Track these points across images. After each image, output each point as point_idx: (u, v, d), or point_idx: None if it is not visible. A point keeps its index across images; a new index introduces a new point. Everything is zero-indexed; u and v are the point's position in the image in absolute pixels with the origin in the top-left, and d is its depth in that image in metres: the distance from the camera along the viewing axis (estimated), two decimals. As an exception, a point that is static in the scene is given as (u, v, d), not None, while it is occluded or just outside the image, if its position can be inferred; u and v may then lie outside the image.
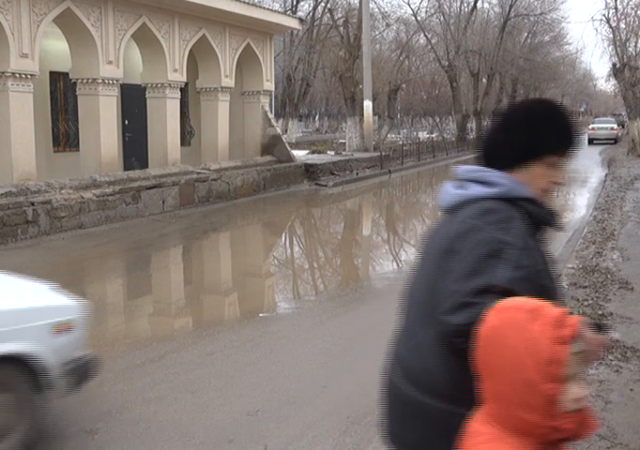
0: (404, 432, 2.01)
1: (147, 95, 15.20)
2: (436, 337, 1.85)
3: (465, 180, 2.04)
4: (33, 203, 10.65)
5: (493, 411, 1.54)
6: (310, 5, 33.47)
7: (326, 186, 18.65)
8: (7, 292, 4.02)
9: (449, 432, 1.76)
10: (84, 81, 13.17)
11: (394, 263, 9.55)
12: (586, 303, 6.40)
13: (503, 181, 1.96)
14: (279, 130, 19.77)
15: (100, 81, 13.12)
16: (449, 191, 2.05)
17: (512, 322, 1.49)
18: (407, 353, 2.01)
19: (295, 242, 12.15)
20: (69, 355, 3.87)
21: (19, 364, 3.64)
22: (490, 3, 42.37)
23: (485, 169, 2.02)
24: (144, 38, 14.54)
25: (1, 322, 3.57)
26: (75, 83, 13.36)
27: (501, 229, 1.83)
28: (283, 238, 12.59)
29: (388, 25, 34.43)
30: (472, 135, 39.87)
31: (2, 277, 4.33)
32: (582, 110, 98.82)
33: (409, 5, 50.81)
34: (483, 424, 1.56)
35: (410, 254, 9.98)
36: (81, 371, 3.96)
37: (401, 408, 2.02)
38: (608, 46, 29.66)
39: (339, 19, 29.83)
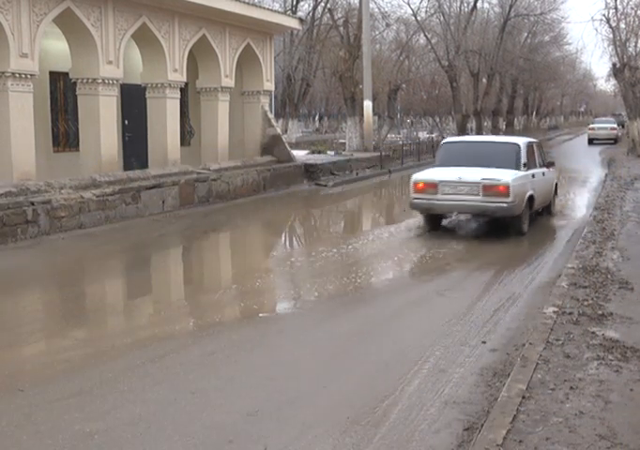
0: None
1: (147, 95, 15.20)
2: None
3: None
4: (33, 203, 10.65)
5: None
6: (310, 5, 33.51)
7: (326, 186, 18.65)
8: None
9: None
10: (84, 81, 13.17)
11: (394, 264, 9.54)
12: (586, 303, 6.39)
13: None
14: (279, 130, 19.77)
15: (100, 81, 13.12)
16: None
17: None
18: None
19: (295, 242, 12.14)
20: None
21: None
22: (490, 3, 42.41)
23: None
24: (144, 38, 14.54)
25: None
26: (75, 83, 13.36)
27: None
28: (283, 238, 12.58)
29: (388, 25, 34.42)
30: (472, 135, 39.87)
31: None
32: (582, 110, 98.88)
33: (409, 5, 50.72)
34: None
35: (409, 254, 9.99)
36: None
37: None
38: (608, 46, 29.70)
39: (339, 19, 29.82)
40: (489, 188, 10.53)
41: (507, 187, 10.47)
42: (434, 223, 11.64)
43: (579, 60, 62.62)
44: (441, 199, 10.83)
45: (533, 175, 11.42)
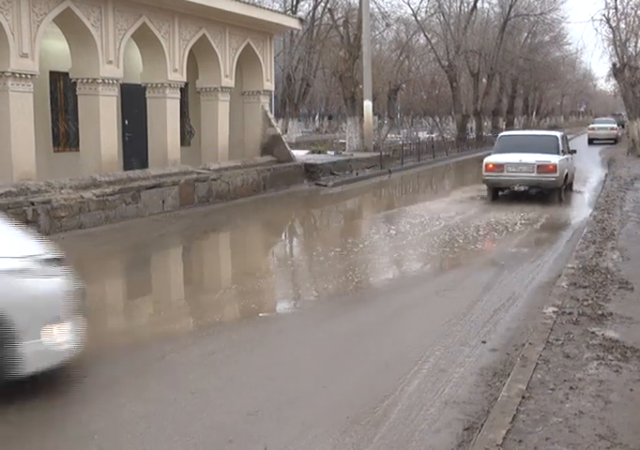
0: None
1: (147, 95, 15.20)
2: None
3: None
4: (33, 203, 10.64)
5: None
6: (310, 5, 33.50)
7: (326, 186, 18.65)
8: None
9: None
10: (84, 81, 13.17)
11: (394, 263, 9.55)
12: (585, 303, 6.39)
13: None
14: (279, 130, 19.77)
15: (100, 81, 13.12)
16: None
17: None
18: None
19: (295, 242, 12.14)
20: None
21: None
22: (490, 3, 42.42)
23: None
24: (144, 38, 14.54)
25: None
26: (75, 83, 13.36)
27: None
28: (283, 238, 12.59)
29: (388, 25, 34.43)
30: (472, 135, 39.86)
31: None
32: (582, 110, 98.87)
33: (409, 5, 50.83)
34: None
35: (410, 253, 9.98)
36: None
37: None
38: (608, 46, 29.71)
39: (339, 19, 29.81)
40: (542, 167, 14.57)
41: (555, 166, 14.50)
42: (495, 194, 15.42)
43: (579, 60, 62.73)
44: (506, 175, 14.88)
45: (567, 159, 15.44)
